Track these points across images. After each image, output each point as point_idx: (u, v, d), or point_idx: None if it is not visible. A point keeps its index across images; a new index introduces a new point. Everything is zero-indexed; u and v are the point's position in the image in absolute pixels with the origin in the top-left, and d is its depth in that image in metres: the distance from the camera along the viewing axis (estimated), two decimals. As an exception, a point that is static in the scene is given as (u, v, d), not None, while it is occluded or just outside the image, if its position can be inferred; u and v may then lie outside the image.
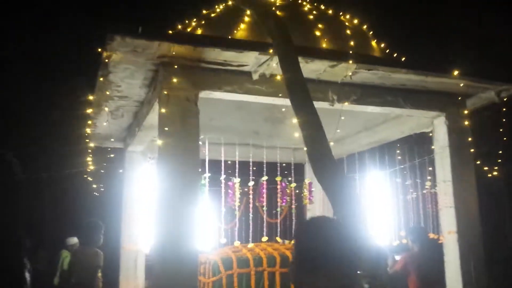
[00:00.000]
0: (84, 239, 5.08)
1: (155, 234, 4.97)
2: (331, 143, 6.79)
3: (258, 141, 8.24)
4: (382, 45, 6.73)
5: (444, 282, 4.55)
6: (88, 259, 4.98)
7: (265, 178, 7.40)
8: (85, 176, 8.20)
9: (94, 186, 8.23)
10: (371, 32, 6.93)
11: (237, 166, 7.24)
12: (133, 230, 7.82)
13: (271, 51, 4.88)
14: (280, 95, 5.36)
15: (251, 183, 7.24)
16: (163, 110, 5.00)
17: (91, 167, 7.94)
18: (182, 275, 4.68)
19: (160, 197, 4.92)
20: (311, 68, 5.35)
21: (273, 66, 5.04)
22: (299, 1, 6.77)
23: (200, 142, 5.22)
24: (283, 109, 5.66)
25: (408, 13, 10.23)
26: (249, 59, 5.07)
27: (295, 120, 6.38)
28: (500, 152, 6.10)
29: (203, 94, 5.27)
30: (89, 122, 6.92)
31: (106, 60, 4.90)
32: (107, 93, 5.82)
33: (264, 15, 4.32)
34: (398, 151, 7.86)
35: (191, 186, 4.94)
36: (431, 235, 6.90)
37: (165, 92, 5.00)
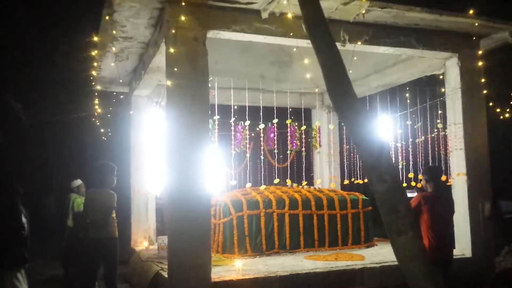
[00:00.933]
0: (97, 181, 5.09)
1: (166, 177, 4.98)
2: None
3: (264, 86, 8.12)
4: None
5: (453, 223, 4.61)
6: (102, 200, 5.01)
7: (275, 120, 7.32)
8: (92, 120, 8.15)
9: (102, 130, 8.20)
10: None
11: (247, 110, 7.14)
12: (143, 173, 7.91)
13: (282, -13, 4.71)
14: (291, 34, 5.22)
15: (261, 126, 7.16)
16: (170, 50, 4.88)
17: (98, 111, 7.87)
18: (196, 217, 4.73)
19: (169, 140, 4.89)
20: (323, 6, 5.08)
21: (284, 3, 4.87)
22: None
23: (209, 85, 5.14)
24: (294, 49, 5.48)
25: None
26: (259, -4, 4.89)
27: (304, 61, 6.30)
28: (512, 94, 5.98)
29: (211, 34, 5.13)
30: (94, 64, 6.79)
31: (111, -2, 4.74)
32: (113, 32, 5.66)
33: None
34: (407, 94, 7.75)
35: (201, 128, 4.90)
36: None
37: (173, 31, 4.86)
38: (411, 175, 7.23)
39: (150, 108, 8.04)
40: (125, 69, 7.50)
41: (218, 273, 5.03)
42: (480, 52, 6.13)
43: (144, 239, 7.81)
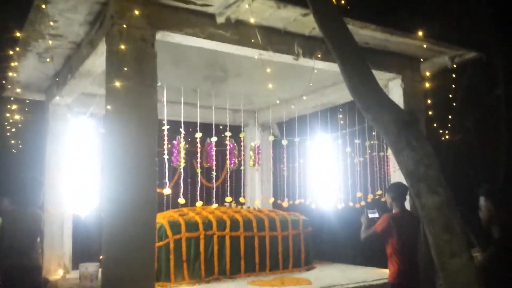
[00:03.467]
0: (20, 198, 4.25)
1: (102, 195, 4.32)
2: (304, 97, 6.51)
3: (199, 101, 7.68)
4: (342, 1, 6.43)
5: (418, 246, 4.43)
6: (28, 221, 4.18)
7: (214, 139, 6.83)
8: (2, 129, 7.09)
9: (12, 142, 7.16)
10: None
11: (182, 124, 6.57)
12: (59, 190, 6.97)
13: (244, -11, 4.37)
14: (252, 41, 4.88)
15: (198, 134, 6.59)
16: (113, 50, 4.30)
17: (8, 120, 6.87)
18: (139, 240, 4.13)
19: (110, 153, 4.26)
20: (280, 16, 4.92)
21: (245, 7, 4.53)
22: None
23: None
24: (256, 57, 5.13)
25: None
26: (217, -2, 4.50)
27: (237, 80, 5.96)
28: (450, 117, 6.15)
29: (160, 35, 4.62)
30: (12, 64, 5.89)
31: (48, -16, 4.06)
32: (42, 27, 4.91)
33: None
34: (344, 115, 7.73)
35: (149, 139, 4.35)
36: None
37: (118, 29, 4.29)
38: (359, 194, 7.13)
39: (71, 119, 7.18)
40: (46, 73, 6.63)
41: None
42: (424, 74, 6.26)
43: (59, 267, 6.82)
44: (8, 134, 7.16)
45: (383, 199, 6.85)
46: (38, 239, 4.31)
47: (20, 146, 7.46)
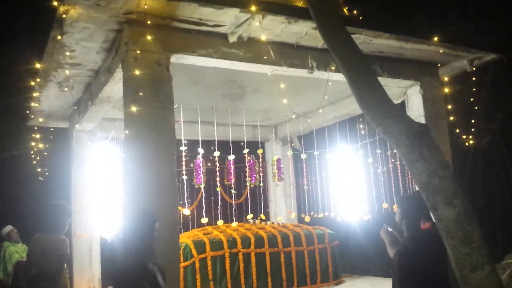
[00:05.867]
0: (48, 225, 4.33)
1: (125, 217, 4.37)
2: (320, 110, 6.47)
3: (217, 119, 7.72)
4: (355, 11, 6.40)
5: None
6: (54, 247, 4.26)
7: (232, 157, 6.86)
8: (27, 158, 7.29)
9: (38, 169, 7.34)
10: (341, -1, 6.60)
11: (200, 143, 6.63)
12: (86, 215, 7.10)
13: (253, 8, 4.40)
14: (265, 58, 4.91)
15: (216, 153, 6.63)
16: (129, 75, 4.38)
17: (34, 149, 7.06)
18: (163, 262, 4.14)
19: (130, 176, 4.32)
20: (292, 31, 4.93)
21: (256, 25, 4.56)
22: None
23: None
24: (269, 73, 5.15)
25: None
26: (228, 18, 4.54)
27: (254, 96, 5.96)
28: (473, 121, 6.02)
29: (174, 58, 4.69)
30: (34, 95, 6.06)
31: (63, 16, 4.18)
32: (59, 58, 5.04)
33: None
34: (363, 125, 7.65)
35: (167, 161, 4.39)
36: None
37: (132, 54, 4.38)
38: (385, 205, 7.02)
39: (94, 144, 7.33)
40: (67, 101, 6.79)
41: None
42: (443, 80, 6.16)
43: (89, 290, 6.93)
44: (34, 162, 7.35)
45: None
46: (65, 265, 4.37)
47: (47, 174, 7.63)
